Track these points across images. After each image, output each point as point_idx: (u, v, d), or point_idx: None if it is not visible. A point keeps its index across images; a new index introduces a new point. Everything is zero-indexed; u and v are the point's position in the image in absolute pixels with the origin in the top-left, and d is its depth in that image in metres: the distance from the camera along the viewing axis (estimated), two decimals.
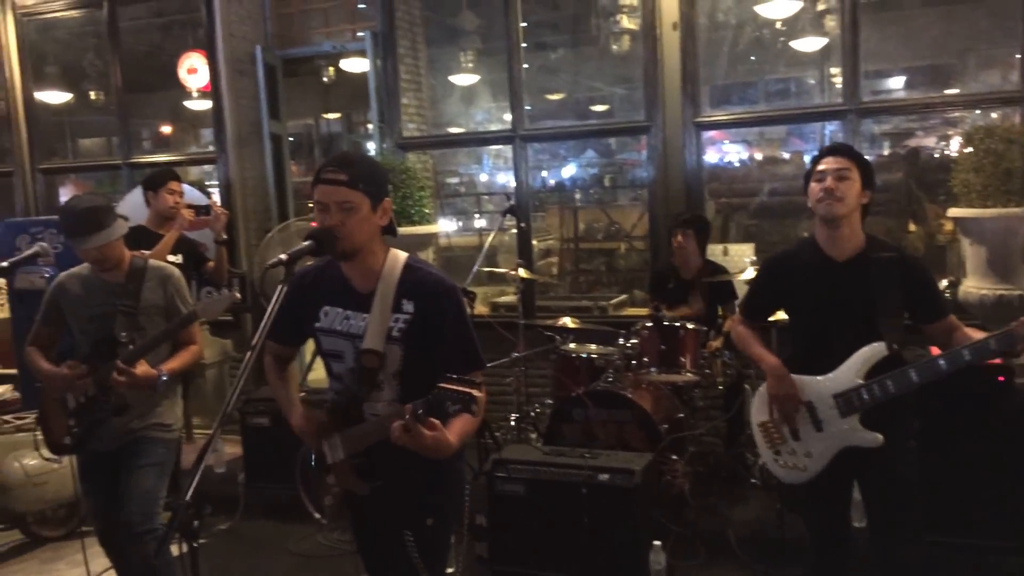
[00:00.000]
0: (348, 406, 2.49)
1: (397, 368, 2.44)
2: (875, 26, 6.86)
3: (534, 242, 7.11)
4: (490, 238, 5.40)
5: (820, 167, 2.94)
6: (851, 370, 2.90)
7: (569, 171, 11.78)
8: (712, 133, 8.42)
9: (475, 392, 2.10)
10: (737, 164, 10.87)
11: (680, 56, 5.84)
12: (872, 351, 2.87)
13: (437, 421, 2.17)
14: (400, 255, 2.51)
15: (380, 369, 2.43)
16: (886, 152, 9.38)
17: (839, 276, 2.93)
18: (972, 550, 3.91)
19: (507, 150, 7.08)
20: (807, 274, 2.99)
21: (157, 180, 4.87)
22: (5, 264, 3.25)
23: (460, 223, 10.99)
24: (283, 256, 2.30)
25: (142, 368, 3.29)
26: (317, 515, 2.67)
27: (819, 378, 2.96)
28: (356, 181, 2.33)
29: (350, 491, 2.54)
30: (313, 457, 2.62)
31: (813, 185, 2.95)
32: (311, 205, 2.46)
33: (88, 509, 3.71)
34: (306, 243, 2.36)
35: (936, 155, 9.00)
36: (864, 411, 2.88)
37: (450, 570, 4.26)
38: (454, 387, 2.11)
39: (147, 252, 3.72)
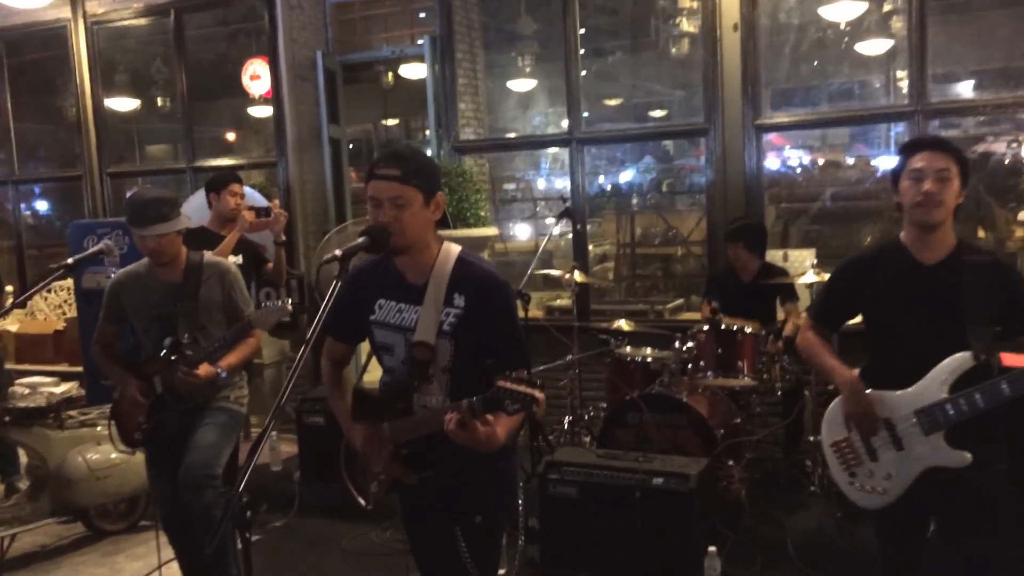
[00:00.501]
0: (398, 397, 2.49)
1: (447, 363, 2.44)
2: (943, 27, 6.68)
3: (590, 247, 7.07)
4: (545, 241, 5.37)
5: (916, 164, 2.66)
6: (935, 383, 2.66)
7: (626, 177, 11.70)
8: (773, 138, 8.29)
9: (536, 393, 2.09)
10: (799, 169, 10.68)
11: (740, 58, 5.76)
12: (958, 362, 2.64)
13: (491, 417, 2.17)
14: (453, 248, 2.51)
15: (431, 362, 2.43)
16: None
17: (927, 281, 2.70)
18: None
19: (564, 155, 7.04)
20: (891, 279, 2.76)
21: (219, 182, 4.95)
22: (70, 261, 3.33)
23: (516, 228, 10.98)
24: (337, 252, 2.31)
25: (204, 369, 3.40)
26: (362, 502, 2.68)
27: (899, 393, 2.73)
28: (409, 176, 2.34)
29: (398, 482, 2.54)
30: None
31: (907, 184, 2.68)
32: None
33: (154, 494, 3.83)
34: (361, 239, 2.38)
35: (1007, 160, 8.74)
36: (949, 428, 2.66)
37: (502, 571, 4.25)
38: (515, 387, 2.10)
39: (209, 253, 3.78)
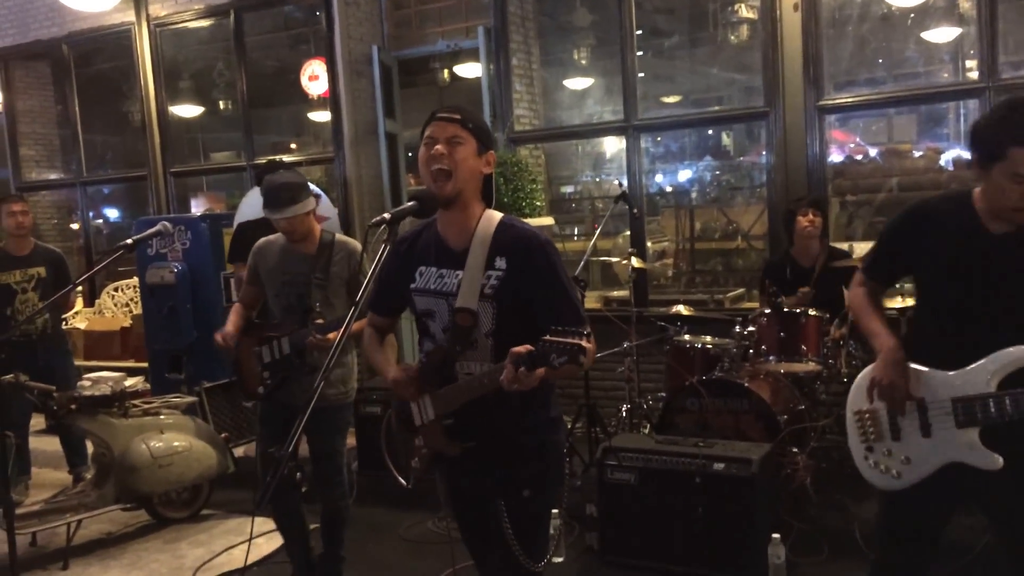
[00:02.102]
0: (441, 364, 2.44)
1: (491, 327, 2.39)
2: (1013, 3, 6.43)
3: (648, 244, 6.97)
4: (602, 224, 5.31)
5: (1020, 168, 2.29)
6: (983, 372, 2.39)
7: (686, 174, 11.54)
8: (836, 134, 8.08)
9: (583, 343, 2.03)
10: (865, 160, 10.41)
11: (801, 38, 5.62)
12: (1015, 355, 2.36)
13: (540, 371, 2.12)
14: (495, 214, 2.48)
15: (474, 328, 2.39)
16: None
17: (994, 252, 2.41)
18: None
19: (622, 156, 6.87)
20: (955, 240, 2.45)
21: (268, 168, 4.99)
22: (130, 241, 3.37)
23: (574, 229, 10.92)
24: (386, 215, 2.29)
25: (334, 335, 3.57)
26: (403, 481, 2.65)
27: (941, 374, 2.46)
28: (467, 122, 2.39)
29: (440, 454, 2.49)
30: (400, 420, 2.59)
31: (1008, 185, 2.32)
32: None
33: (260, 447, 4.23)
34: (410, 203, 2.36)
35: None
36: (986, 425, 2.39)
37: (559, 559, 4.19)
38: (560, 339, 2.05)
39: (338, 233, 3.97)
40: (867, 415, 2.61)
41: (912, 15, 7.26)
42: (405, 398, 2.54)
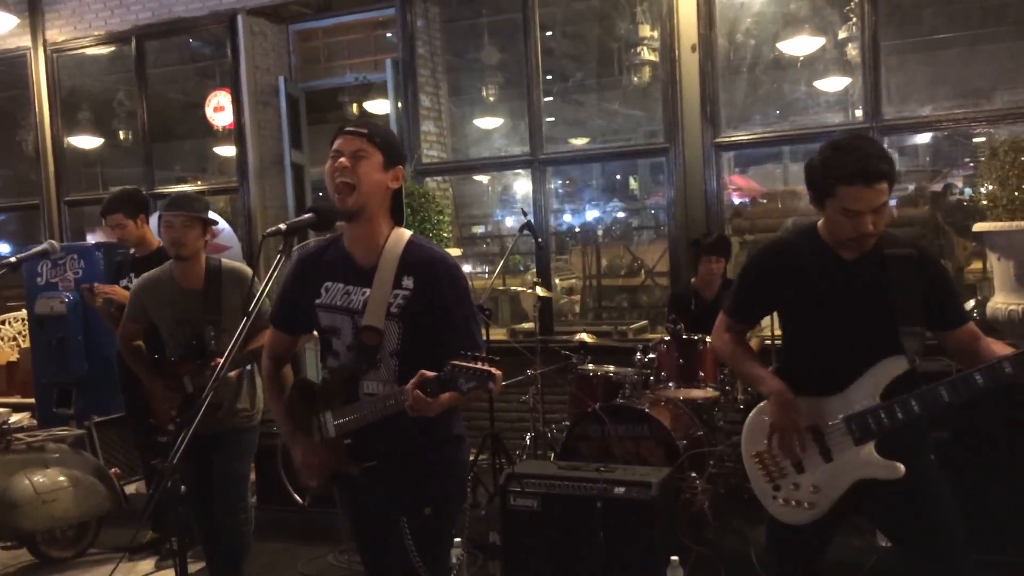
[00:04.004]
0: (344, 383, 2.42)
1: (395, 346, 2.38)
2: (898, 53, 6.83)
3: (556, 281, 7.04)
4: (507, 253, 5.36)
5: (852, 206, 2.38)
6: (867, 387, 2.47)
7: (593, 214, 11.77)
8: (736, 179, 8.37)
9: (493, 370, 2.05)
10: (763, 201, 10.80)
11: (699, 78, 5.83)
12: (890, 366, 2.45)
13: (445, 396, 2.16)
14: (404, 232, 2.47)
15: (379, 347, 2.37)
16: (911, 189, 9.27)
17: (850, 277, 2.50)
18: (998, 568, 3.73)
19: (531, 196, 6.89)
20: (813, 268, 2.53)
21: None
22: (13, 260, 3.24)
23: (483, 268, 10.99)
24: (282, 226, 2.27)
25: (236, 372, 3.61)
26: (298, 499, 2.60)
27: (826, 398, 2.51)
28: (374, 136, 2.37)
29: (340, 473, 2.46)
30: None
31: (839, 219, 2.43)
32: None
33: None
34: (307, 215, 2.34)
35: (966, 191, 8.88)
36: (881, 436, 2.45)
37: None
38: (470, 364, 2.06)
39: (225, 259, 3.88)
40: (766, 455, 2.62)
41: (801, 62, 7.62)
42: (310, 482, 2.51)
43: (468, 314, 2.41)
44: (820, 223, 2.58)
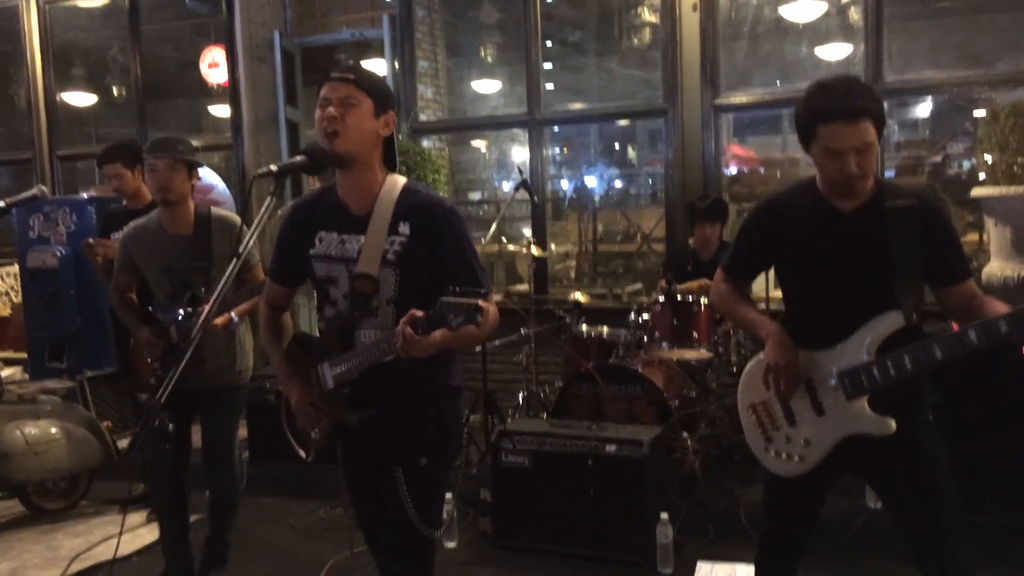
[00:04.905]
0: (340, 332, 2.39)
1: (392, 294, 2.34)
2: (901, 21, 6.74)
3: (552, 246, 6.99)
4: (503, 209, 5.32)
5: (834, 144, 2.33)
6: (860, 344, 2.43)
7: (590, 182, 11.72)
8: (735, 148, 8.30)
9: (481, 303, 2.00)
10: (762, 171, 10.76)
11: (700, 38, 5.77)
12: (886, 321, 2.41)
13: (437, 334, 2.10)
14: (399, 179, 2.43)
15: (374, 294, 2.34)
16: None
17: (847, 230, 2.44)
18: (995, 529, 3.75)
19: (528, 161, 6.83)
20: (809, 226, 2.48)
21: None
22: (3, 204, 3.20)
23: (477, 233, 10.95)
24: (273, 167, 2.23)
25: (221, 319, 3.46)
26: (302, 453, 2.59)
27: (820, 352, 2.49)
28: (363, 82, 2.30)
29: (341, 424, 2.44)
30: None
31: (824, 161, 2.38)
32: None
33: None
34: (298, 157, 2.30)
35: (964, 164, 8.86)
36: (874, 392, 2.44)
37: (451, 544, 4.16)
38: (457, 299, 2.01)
39: (215, 207, 3.81)
40: (760, 407, 2.62)
41: (803, 26, 7.53)
42: (309, 428, 2.49)
43: (470, 255, 2.37)
44: (818, 178, 2.52)
